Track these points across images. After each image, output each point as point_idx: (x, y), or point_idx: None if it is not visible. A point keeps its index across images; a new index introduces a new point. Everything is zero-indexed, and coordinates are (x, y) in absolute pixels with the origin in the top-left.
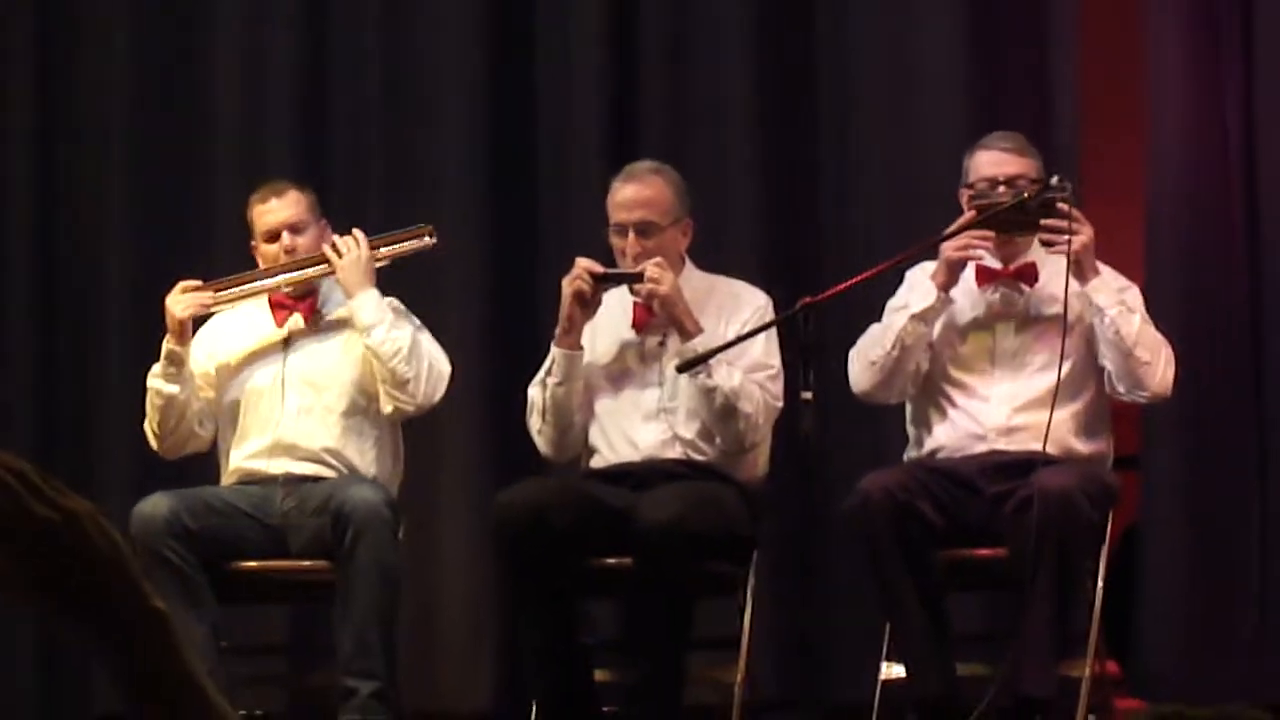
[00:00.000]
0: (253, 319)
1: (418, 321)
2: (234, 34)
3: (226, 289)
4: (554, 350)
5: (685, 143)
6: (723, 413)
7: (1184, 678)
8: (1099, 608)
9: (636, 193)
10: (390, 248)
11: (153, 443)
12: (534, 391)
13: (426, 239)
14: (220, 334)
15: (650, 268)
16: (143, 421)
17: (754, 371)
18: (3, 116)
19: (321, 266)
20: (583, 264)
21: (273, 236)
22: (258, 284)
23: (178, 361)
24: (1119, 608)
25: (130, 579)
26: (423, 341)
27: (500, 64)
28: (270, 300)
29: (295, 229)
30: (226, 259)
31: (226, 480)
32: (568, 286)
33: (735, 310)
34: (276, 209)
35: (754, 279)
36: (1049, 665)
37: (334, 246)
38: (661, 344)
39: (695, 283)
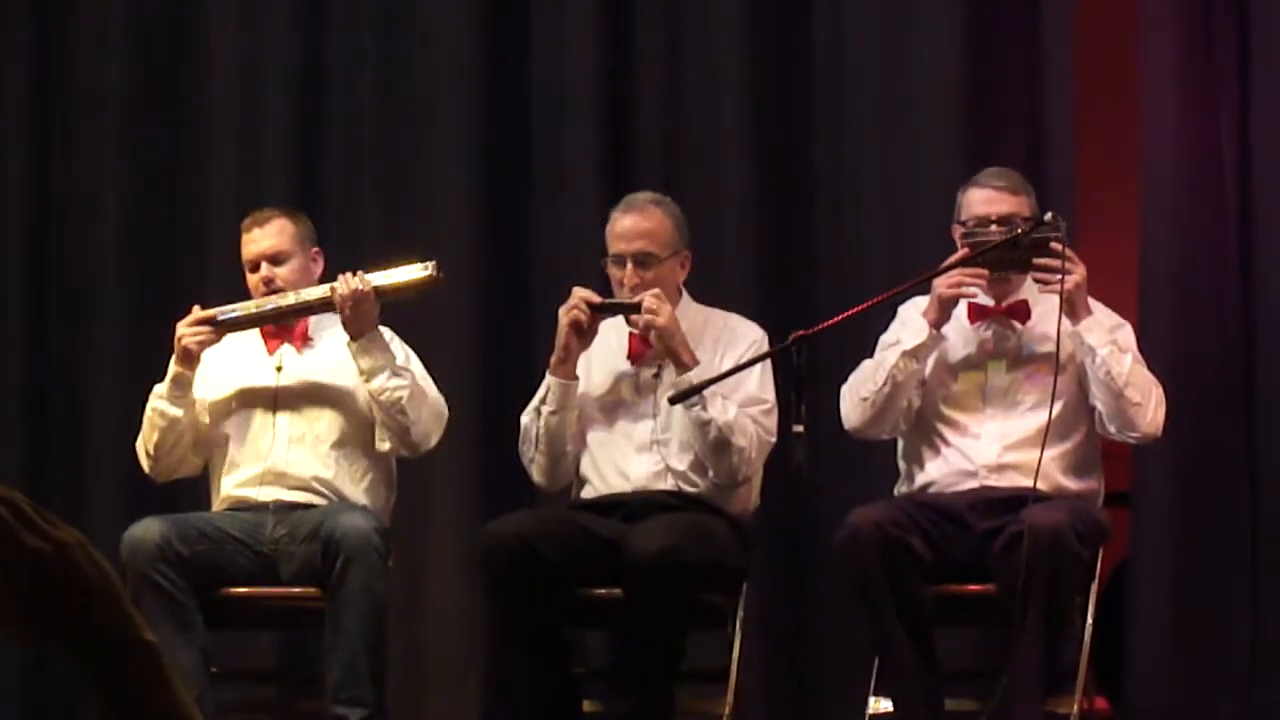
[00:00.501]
0: (245, 347)
1: (409, 350)
2: (229, 45)
3: (234, 327)
4: (548, 379)
5: (679, 175)
6: (716, 446)
7: (1173, 715)
8: (1088, 644)
9: (636, 224)
10: (394, 286)
11: (145, 463)
12: (527, 420)
13: (431, 280)
14: (212, 361)
15: (648, 299)
16: (134, 447)
17: (749, 406)
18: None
19: (325, 308)
20: (580, 293)
21: (253, 266)
22: (264, 322)
23: (184, 384)
24: (1109, 644)
25: (121, 610)
26: (423, 387)
27: (494, 86)
28: (262, 329)
29: (275, 260)
30: (219, 283)
31: (217, 507)
32: (564, 316)
33: (731, 344)
34: (258, 239)
35: (746, 311)
36: (1038, 701)
37: (336, 287)
38: (656, 376)
39: (691, 315)
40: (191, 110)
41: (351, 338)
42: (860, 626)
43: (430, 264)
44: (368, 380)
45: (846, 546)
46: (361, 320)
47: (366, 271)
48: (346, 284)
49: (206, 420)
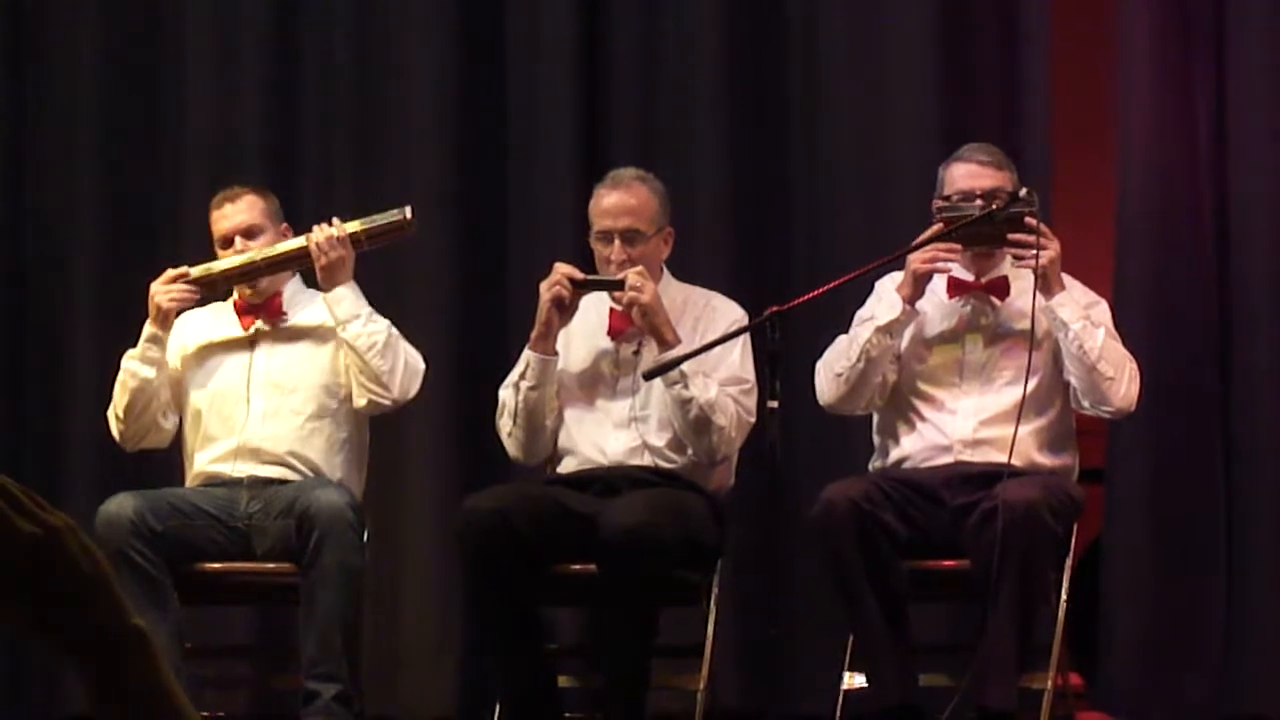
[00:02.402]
0: (218, 321)
1: (392, 325)
2: (205, 32)
3: (210, 283)
4: (528, 354)
5: (654, 150)
6: (697, 424)
7: (1147, 691)
8: (1062, 620)
9: (622, 200)
10: (371, 236)
11: (114, 428)
12: (506, 394)
13: (405, 224)
14: (186, 336)
15: (632, 276)
16: (107, 421)
17: (729, 385)
18: None
19: (301, 258)
20: (562, 269)
21: (227, 242)
22: (238, 273)
23: (158, 344)
24: (1083, 620)
25: (110, 596)
26: (398, 337)
27: (468, 57)
28: (235, 304)
29: (248, 234)
30: (193, 250)
31: (190, 482)
32: (546, 291)
33: (711, 322)
34: (230, 214)
35: (721, 288)
36: (1011, 677)
37: (311, 238)
38: (636, 352)
39: (673, 293)
40: (167, 78)
41: (326, 287)
42: (834, 602)
43: (404, 209)
44: (344, 329)
45: (821, 522)
46: (337, 269)
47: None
48: (321, 231)
49: (179, 393)
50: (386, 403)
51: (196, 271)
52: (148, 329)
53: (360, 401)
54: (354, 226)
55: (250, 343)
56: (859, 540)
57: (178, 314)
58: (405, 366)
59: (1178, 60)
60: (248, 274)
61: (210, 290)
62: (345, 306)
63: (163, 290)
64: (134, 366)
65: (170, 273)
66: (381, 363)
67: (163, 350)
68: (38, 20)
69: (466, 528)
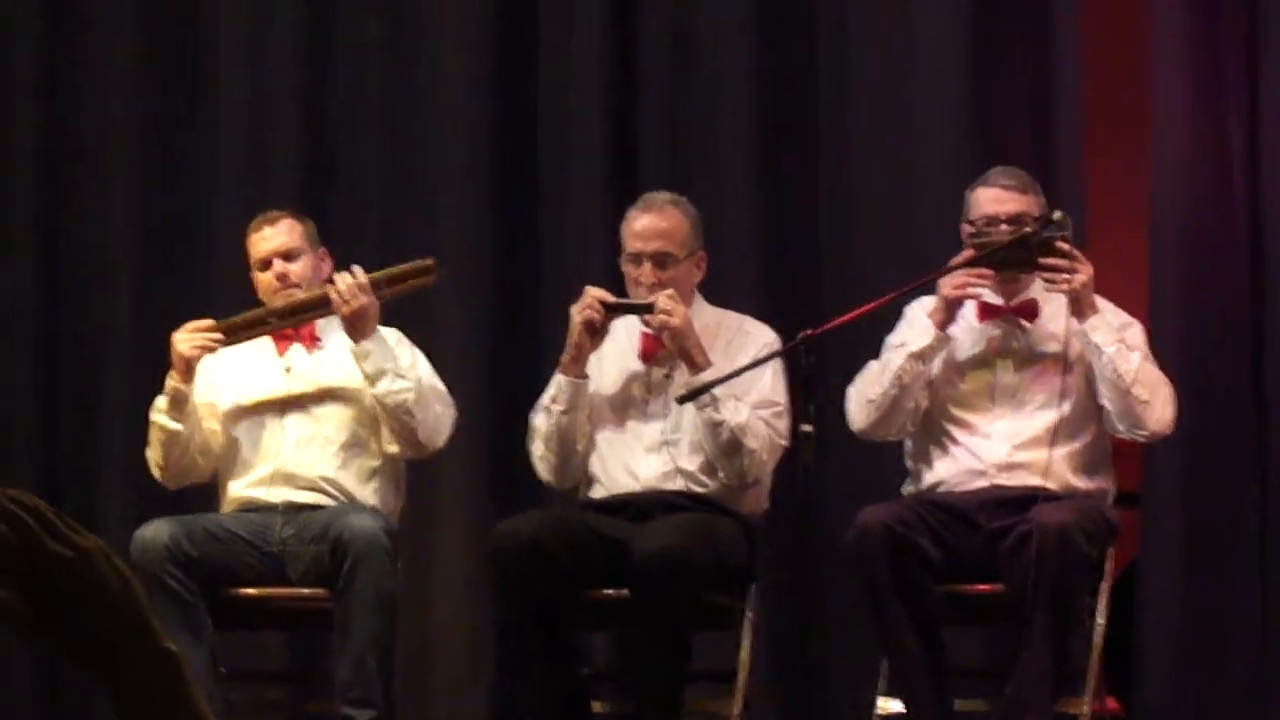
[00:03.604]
0: (253, 348)
1: (417, 351)
2: (237, 56)
3: (232, 331)
4: (559, 378)
5: (686, 174)
6: (729, 448)
7: (1183, 715)
8: (1098, 644)
9: (654, 223)
10: (394, 285)
11: (155, 473)
12: (537, 418)
13: (428, 276)
14: (221, 363)
15: (662, 299)
16: (143, 449)
17: (761, 408)
18: (5, 146)
19: (324, 308)
20: (594, 293)
21: (265, 264)
22: (262, 325)
23: (181, 399)
24: (1119, 644)
25: (141, 617)
26: (427, 389)
27: (500, 81)
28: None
29: (287, 256)
30: (227, 288)
31: (226, 508)
32: (577, 315)
33: (743, 346)
34: (269, 237)
35: (752, 312)
36: (1047, 702)
37: (334, 284)
38: (668, 376)
39: (705, 316)
40: (201, 116)
41: (353, 340)
42: (869, 626)
43: (428, 261)
44: (372, 384)
45: (855, 546)
46: (362, 320)
47: (366, 272)
48: (344, 280)
49: (216, 427)
50: (416, 455)
51: (224, 339)
52: (169, 384)
53: (391, 449)
54: (377, 277)
55: (285, 369)
56: (893, 564)
57: (197, 361)
58: (435, 418)
59: (1210, 76)
60: (269, 325)
61: (232, 338)
62: (372, 361)
63: (185, 338)
64: (161, 420)
65: (193, 323)
66: (410, 420)
67: (187, 402)
68: (71, 49)
69: (500, 552)
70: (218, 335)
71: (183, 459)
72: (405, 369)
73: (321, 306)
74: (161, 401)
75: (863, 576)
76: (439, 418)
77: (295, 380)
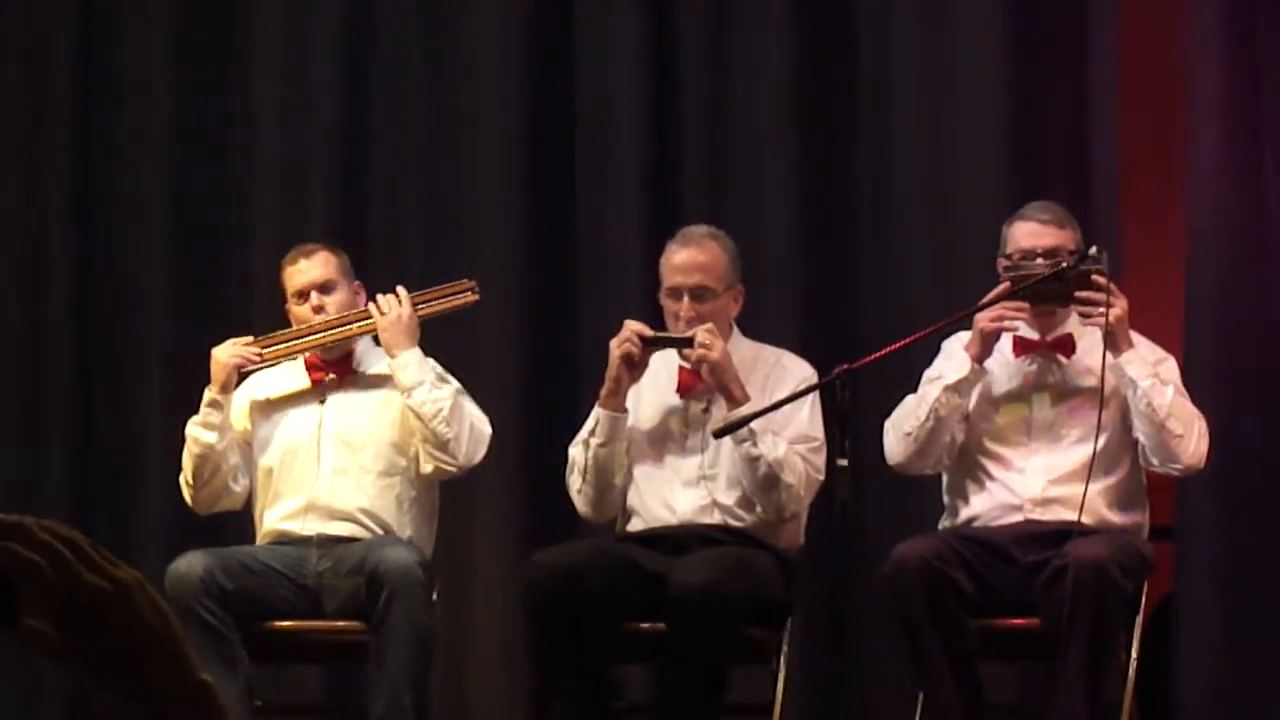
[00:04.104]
0: (289, 379)
1: (458, 384)
2: (273, 82)
3: (272, 345)
4: (598, 411)
5: (722, 208)
6: (765, 482)
7: None
8: (1132, 678)
9: (693, 257)
10: (433, 304)
11: (186, 495)
12: (575, 451)
13: (469, 295)
14: (256, 393)
15: (701, 333)
16: (177, 481)
17: (798, 443)
18: (42, 174)
19: (365, 323)
20: (632, 327)
21: (302, 296)
22: (303, 340)
23: (218, 409)
24: (1154, 678)
25: (179, 651)
26: (464, 402)
27: (537, 107)
28: (306, 361)
29: (324, 289)
30: (264, 319)
31: (261, 541)
32: (616, 349)
33: (781, 381)
34: (306, 269)
35: (789, 346)
36: None
37: (376, 304)
38: (706, 410)
39: (743, 351)
40: (236, 141)
41: (390, 353)
42: (905, 660)
43: (469, 282)
44: (409, 395)
45: (891, 580)
46: (398, 330)
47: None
48: (386, 302)
49: (250, 455)
50: (452, 469)
51: (264, 352)
52: (208, 394)
53: (426, 468)
54: (418, 297)
55: (320, 399)
56: (930, 598)
57: (241, 375)
58: (471, 432)
59: (1246, 112)
60: (311, 344)
61: (273, 354)
62: (410, 373)
63: (225, 348)
64: (195, 432)
65: (233, 340)
66: (446, 430)
67: (224, 415)
68: (106, 83)
69: (536, 583)
70: (257, 350)
71: (214, 479)
72: (443, 378)
73: (362, 321)
74: (197, 415)
75: (899, 611)
76: (475, 431)
77: (330, 410)
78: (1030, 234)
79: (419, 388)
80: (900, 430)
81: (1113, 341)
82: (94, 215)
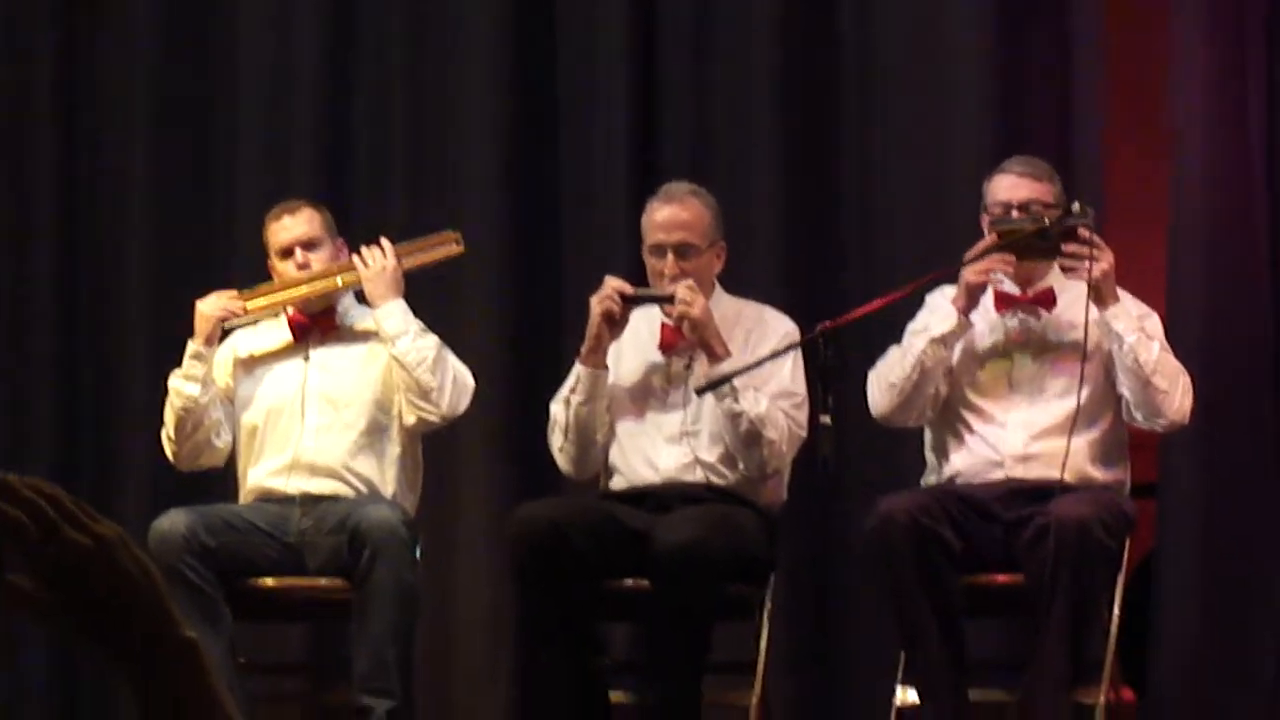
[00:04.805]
0: (271, 336)
1: (441, 342)
2: (257, 41)
3: (256, 297)
4: (578, 368)
5: (707, 166)
6: (748, 438)
7: (1200, 706)
8: (1114, 635)
9: (675, 214)
10: (417, 255)
11: (168, 450)
12: (557, 408)
13: (454, 246)
14: (239, 351)
15: (681, 290)
16: (159, 439)
17: (780, 399)
18: (27, 128)
19: (349, 274)
20: (613, 284)
21: (286, 252)
22: (287, 292)
23: (202, 361)
24: (1136, 635)
25: (161, 607)
26: (447, 355)
27: (523, 77)
28: (289, 318)
29: (308, 245)
30: (247, 275)
31: (244, 499)
32: (597, 305)
33: (762, 336)
34: (290, 226)
35: (772, 303)
36: (1064, 693)
37: (360, 256)
38: (688, 366)
39: (724, 307)
40: (218, 116)
41: (374, 304)
42: (888, 616)
43: (453, 234)
44: (392, 344)
45: (878, 535)
46: (382, 280)
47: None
48: (370, 254)
49: (233, 411)
50: (435, 419)
51: (248, 305)
52: (191, 346)
53: (409, 419)
54: (402, 248)
55: (304, 357)
56: (916, 554)
57: (225, 330)
58: (454, 382)
59: (1231, 65)
60: (296, 296)
61: (256, 307)
62: (393, 322)
63: (210, 300)
64: (178, 384)
65: (217, 292)
66: (430, 378)
67: (207, 367)
68: (89, 33)
69: (519, 536)
70: (241, 303)
71: (196, 433)
72: (425, 331)
73: (346, 274)
74: (179, 368)
75: (885, 566)
76: (459, 381)
77: (314, 368)
78: (1008, 187)
79: (403, 336)
80: (885, 381)
81: (1098, 296)
82: (76, 175)
